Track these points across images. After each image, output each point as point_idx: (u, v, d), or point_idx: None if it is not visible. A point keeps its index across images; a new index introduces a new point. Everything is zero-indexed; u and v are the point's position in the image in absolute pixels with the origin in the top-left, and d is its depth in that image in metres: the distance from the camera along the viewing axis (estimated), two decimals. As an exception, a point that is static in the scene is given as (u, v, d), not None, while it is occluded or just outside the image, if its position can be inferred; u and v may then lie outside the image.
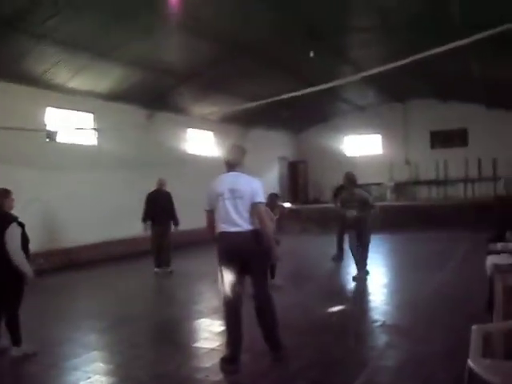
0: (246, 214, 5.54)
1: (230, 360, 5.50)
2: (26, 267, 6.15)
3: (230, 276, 5.56)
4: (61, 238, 13.75)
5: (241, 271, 5.61)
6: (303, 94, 9.72)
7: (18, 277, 6.17)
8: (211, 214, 5.77)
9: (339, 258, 12.83)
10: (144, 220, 12.46)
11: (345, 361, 5.72)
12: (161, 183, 12.73)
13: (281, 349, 5.70)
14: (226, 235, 5.58)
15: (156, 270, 12.41)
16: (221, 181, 5.73)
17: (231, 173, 5.76)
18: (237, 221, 5.52)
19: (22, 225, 6.32)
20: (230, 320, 5.62)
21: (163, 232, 12.44)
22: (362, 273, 10.39)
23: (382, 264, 12.97)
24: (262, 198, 5.64)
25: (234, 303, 5.61)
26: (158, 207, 12.38)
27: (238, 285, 5.60)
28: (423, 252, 13.88)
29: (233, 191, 5.56)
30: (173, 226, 12.57)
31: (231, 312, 5.62)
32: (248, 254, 5.56)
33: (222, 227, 5.59)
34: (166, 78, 15.64)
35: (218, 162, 19.12)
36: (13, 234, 6.13)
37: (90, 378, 5.48)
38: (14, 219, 6.29)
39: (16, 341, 6.27)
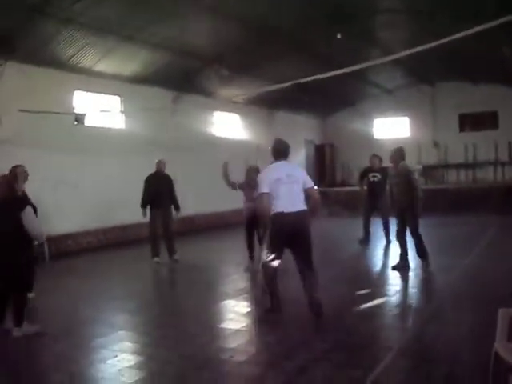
0: (301, 197, 6.55)
1: (274, 310, 6.67)
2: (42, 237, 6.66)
3: (279, 249, 6.57)
4: (87, 219, 13.90)
5: (288, 246, 6.62)
6: (330, 77, 9.68)
7: (30, 258, 6.41)
8: (268, 196, 6.48)
9: (366, 241, 12.75)
10: (143, 205, 11.55)
11: (370, 344, 5.71)
12: (160, 165, 11.78)
13: (321, 306, 6.52)
14: (285, 215, 6.40)
15: (156, 259, 11.53)
16: (277, 168, 6.67)
17: (282, 161, 6.72)
18: (294, 202, 6.46)
19: (35, 208, 6.56)
20: (272, 282, 6.67)
21: (164, 218, 11.52)
22: (401, 263, 9.53)
23: (408, 247, 12.88)
24: (312, 182, 6.75)
25: (275, 271, 6.63)
26: (158, 191, 11.47)
27: (281, 257, 6.64)
28: (451, 236, 13.75)
29: (289, 176, 6.53)
30: (174, 212, 11.70)
31: (273, 277, 6.66)
32: (302, 231, 6.52)
33: (282, 207, 6.41)
34: (193, 61, 15.66)
35: (244, 144, 19.31)
36: (30, 214, 6.22)
37: (116, 356, 5.55)
38: (29, 203, 6.50)
39: (19, 322, 6.32)
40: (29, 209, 6.23)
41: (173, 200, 11.67)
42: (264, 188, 6.49)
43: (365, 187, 12.94)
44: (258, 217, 9.45)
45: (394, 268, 9.49)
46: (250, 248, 10.36)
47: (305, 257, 6.59)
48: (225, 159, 10.68)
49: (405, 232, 9.53)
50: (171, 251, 11.61)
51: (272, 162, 6.87)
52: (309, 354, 5.38)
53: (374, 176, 12.60)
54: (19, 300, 6.35)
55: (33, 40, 11.79)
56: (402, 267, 9.36)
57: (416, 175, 9.88)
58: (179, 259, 11.55)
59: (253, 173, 9.91)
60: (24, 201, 6.49)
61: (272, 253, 6.54)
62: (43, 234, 6.58)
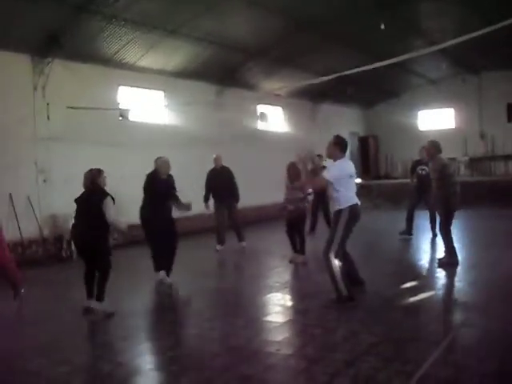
0: None
1: (351, 298, 6.82)
2: (121, 226, 7.61)
3: (348, 237, 7.03)
4: (130, 213, 14.03)
5: None
6: (373, 69, 9.55)
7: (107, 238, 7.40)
8: (329, 184, 6.95)
9: (407, 232, 12.59)
10: (205, 200, 12.26)
11: (417, 338, 5.64)
12: (217, 160, 12.50)
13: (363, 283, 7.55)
14: (357, 207, 7.05)
15: (218, 247, 12.33)
16: (347, 163, 7.22)
17: (345, 157, 7.21)
18: (356, 196, 7.15)
19: (113, 198, 7.31)
20: (344, 271, 6.92)
21: (229, 209, 12.34)
22: (447, 258, 9.29)
23: (455, 240, 12.67)
24: None
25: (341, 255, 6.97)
26: (218, 185, 12.25)
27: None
28: (498, 229, 13.45)
29: (354, 173, 7.20)
30: (248, 200, 12.79)
31: (346, 259, 7.19)
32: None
33: (354, 200, 7.02)
34: (235, 54, 15.69)
35: (288, 137, 19.26)
36: (109, 205, 7.16)
37: (163, 348, 5.64)
38: (109, 194, 7.31)
39: (100, 297, 7.10)
40: (108, 199, 7.17)
41: (233, 192, 12.44)
42: (331, 178, 6.90)
43: (414, 180, 12.77)
44: (300, 218, 10.22)
45: (439, 264, 9.25)
46: (293, 243, 10.42)
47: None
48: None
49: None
50: (240, 237, 12.62)
51: (337, 157, 7.12)
52: (356, 347, 5.35)
53: (423, 169, 12.42)
54: (103, 277, 7.14)
55: (78, 37, 11.98)
56: (447, 263, 9.09)
57: (452, 169, 9.57)
58: (245, 246, 12.52)
59: (294, 169, 9.92)
60: (104, 192, 7.31)
61: (345, 241, 7.00)
62: (120, 222, 7.52)
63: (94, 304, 7.08)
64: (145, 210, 9.14)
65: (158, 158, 9.34)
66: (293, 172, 9.95)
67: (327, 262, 6.88)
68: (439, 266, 9.17)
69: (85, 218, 7.24)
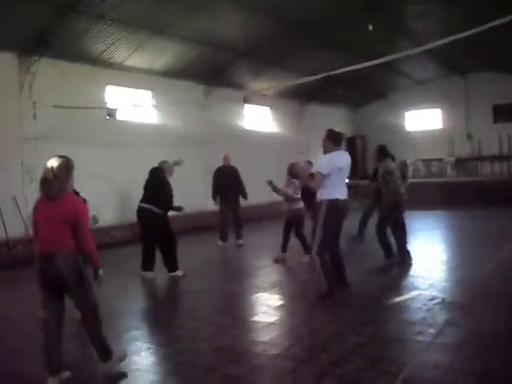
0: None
1: (330, 293, 6.93)
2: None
3: (332, 232, 6.95)
4: (124, 212, 14.00)
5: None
6: (361, 69, 9.58)
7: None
8: (322, 178, 6.83)
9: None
10: (213, 196, 12.97)
11: (403, 338, 5.68)
12: (225, 158, 13.18)
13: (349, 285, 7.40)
14: (338, 202, 6.90)
15: (220, 243, 12.78)
16: (340, 156, 7.05)
17: (340, 150, 7.14)
18: (345, 190, 7.07)
19: (85, 200, 6.57)
20: (329, 267, 7.01)
21: (233, 206, 12.92)
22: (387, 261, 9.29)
23: (441, 241, 12.76)
24: None
25: (335, 248, 7.11)
26: (224, 183, 12.83)
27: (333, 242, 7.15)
28: (484, 229, 13.56)
29: (347, 166, 7.05)
30: (242, 200, 13.07)
31: (329, 262, 7.03)
32: (346, 217, 7.21)
33: (335, 195, 6.87)
34: (223, 54, 15.69)
35: (276, 137, 19.25)
36: None
37: (150, 348, 5.63)
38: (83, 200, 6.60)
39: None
40: None
41: (240, 190, 13.04)
42: (325, 170, 6.80)
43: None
44: (297, 218, 10.25)
45: (380, 270, 9.05)
46: (284, 242, 10.47)
47: (339, 241, 7.34)
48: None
49: (389, 228, 9.42)
50: (239, 235, 12.99)
51: (331, 150, 7.04)
52: (342, 347, 5.37)
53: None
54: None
55: (66, 36, 11.94)
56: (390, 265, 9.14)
57: (395, 176, 9.37)
58: (242, 244, 12.89)
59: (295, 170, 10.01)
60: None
61: (327, 238, 6.87)
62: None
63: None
64: (150, 206, 9.22)
65: (164, 162, 9.71)
66: (294, 172, 10.00)
67: (311, 261, 7.08)
68: (377, 272, 8.94)
69: None
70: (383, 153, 9.51)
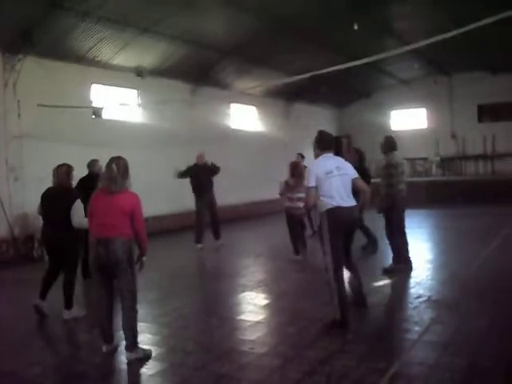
0: (350, 189, 6.26)
1: (343, 323, 5.90)
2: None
3: (339, 245, 6.08)
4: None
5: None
6: (346, 69, 9.61)
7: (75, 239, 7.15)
8: (315, 190, 6.13)
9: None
10: (180, 176, 12.48)
11: (391, 336, 5.71)
12: (198, 157, 12.59)
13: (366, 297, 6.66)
14: (340, 210, 6.07)
15: (199, 245, 12.34)
16: (326, 160, 6.30)
17: (329, 154, 6.38)
18: (347, 196, 6.19)
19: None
20: (340, 284, 6.01)
21: (209, 205, 12.42)
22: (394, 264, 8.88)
23: (426, 239, 12.83)
24: (356, 173, 6.43)
25: (341, 269, 6.11)
26: (199, 181, 12.34)
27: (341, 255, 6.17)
28: (469, 228, 13.67)
29: (339, 169, 6.22)
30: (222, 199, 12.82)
31: (340, 276, 6.05)
32: (354, 226, 6.51)
33: (335, 202, 6.08)
34: (209, 53, 15.66)
35: (261, 136, 19.22)
36: (79, 209, 6.90)
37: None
38: (78, 197, 7.06)
39: (68, 304, 6.99)
40: (77, 203, 6.95)
41: (213, 174, 12.59)
42: (311, 182, 6.14)
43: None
44: (297, 216, 10.15)
45: (383, 272, 8.77)
46: (294, 242, 10.43)
47: (350, 251, 6.51)
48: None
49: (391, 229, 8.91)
50: (217, 235, 12.60)
51: (318, 155, 6.44)
52: (330, 344, 5.39)
53: None
54: (68, 281, 7.05)
55: (51, 34, 11.86)
56: (393, 271, 8.73)
57: (399, 169, 8.90)
58: (224, 244, 12.54)
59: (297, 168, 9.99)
60: (74, 194, 7.14)
61: (335, 250, 6.01)
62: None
63: (65, 314, 6.92)
64: None
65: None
66: (296, 171, 9.99)
67: (326, 279, 6.14)
68: (384, 274, 8.65)
69: (53, 216, 7.05)
70: (390, 145, 9.01)
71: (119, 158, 5.61)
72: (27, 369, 5.19)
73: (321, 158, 6.37)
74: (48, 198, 7.19)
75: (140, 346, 5.42)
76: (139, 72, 14.96)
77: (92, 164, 9.97)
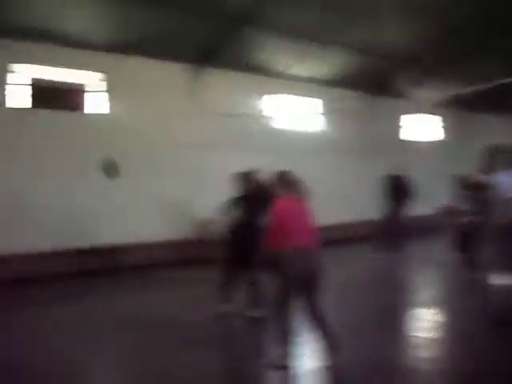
0: None
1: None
2: None
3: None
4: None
5: None
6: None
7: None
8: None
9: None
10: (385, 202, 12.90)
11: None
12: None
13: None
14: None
15: (381, 254, 12.34)
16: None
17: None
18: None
19: None
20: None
21: (394, 216, 12.75)
22: None
23: None
24: None
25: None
26: (396, 192, 12.82)
27: None
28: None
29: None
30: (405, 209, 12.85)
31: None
32: None
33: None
34: (385, 62, 15.39)
35: (445, 146, 17.99)
36: None
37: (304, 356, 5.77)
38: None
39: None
40: None
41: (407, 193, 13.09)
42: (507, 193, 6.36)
43: None
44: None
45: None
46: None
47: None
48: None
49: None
50: (398, 247, 12.60)
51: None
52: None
53: None
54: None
55: (231, 48, 12.48)
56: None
57: None
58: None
59: None
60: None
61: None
62: None
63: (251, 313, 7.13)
64: None
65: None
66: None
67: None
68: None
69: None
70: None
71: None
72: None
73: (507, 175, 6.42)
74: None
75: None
76: (319, 81, 15.20)
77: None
